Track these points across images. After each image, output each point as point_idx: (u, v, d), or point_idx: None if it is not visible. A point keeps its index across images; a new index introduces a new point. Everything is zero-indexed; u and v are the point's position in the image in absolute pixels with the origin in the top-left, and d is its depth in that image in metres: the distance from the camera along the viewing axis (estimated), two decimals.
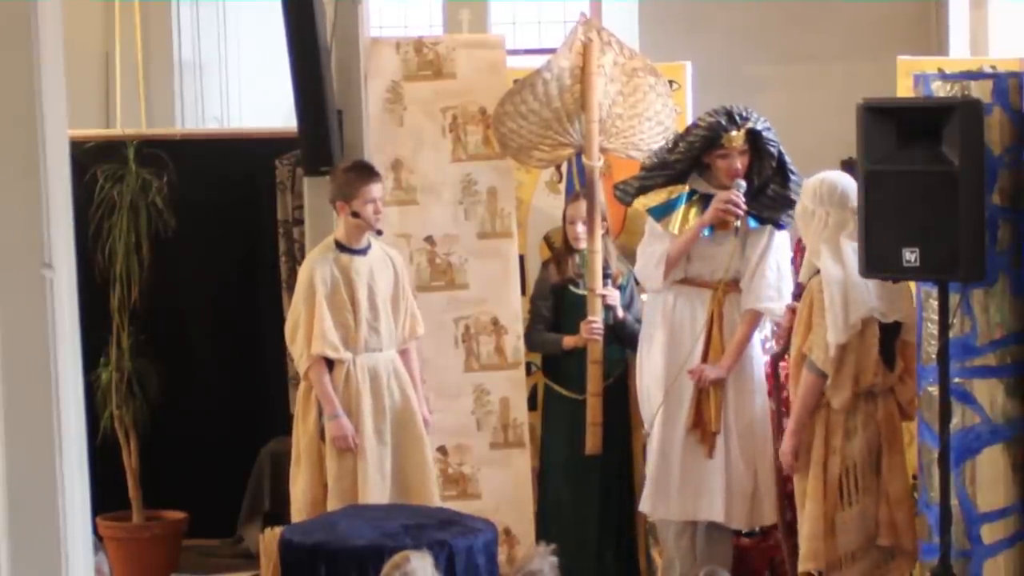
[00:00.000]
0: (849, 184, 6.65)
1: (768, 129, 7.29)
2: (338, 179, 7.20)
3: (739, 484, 7.27)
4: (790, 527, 7.09)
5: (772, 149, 7.28)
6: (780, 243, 7.39)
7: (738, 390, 7.31)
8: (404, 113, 7.90)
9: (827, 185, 6.73)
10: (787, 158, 7.33)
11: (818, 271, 6.69)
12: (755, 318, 7.34)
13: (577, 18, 7.89)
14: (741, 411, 7.31)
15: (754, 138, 7.27)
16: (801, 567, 6.74)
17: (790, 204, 7.23)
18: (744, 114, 7.27)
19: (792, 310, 6.98)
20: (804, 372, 6.73)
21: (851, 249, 6.53)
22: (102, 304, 8.35)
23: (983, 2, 9.97)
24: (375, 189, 7.15)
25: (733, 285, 7.37)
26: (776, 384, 7.24)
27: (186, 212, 8.62)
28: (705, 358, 7.31)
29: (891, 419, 6.77)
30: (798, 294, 7.05)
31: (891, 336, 6.72)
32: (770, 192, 7.31)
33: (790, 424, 6.81)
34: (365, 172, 7.19)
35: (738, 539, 7.70)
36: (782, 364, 7.30)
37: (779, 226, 7.35)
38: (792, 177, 7.29)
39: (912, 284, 6.62)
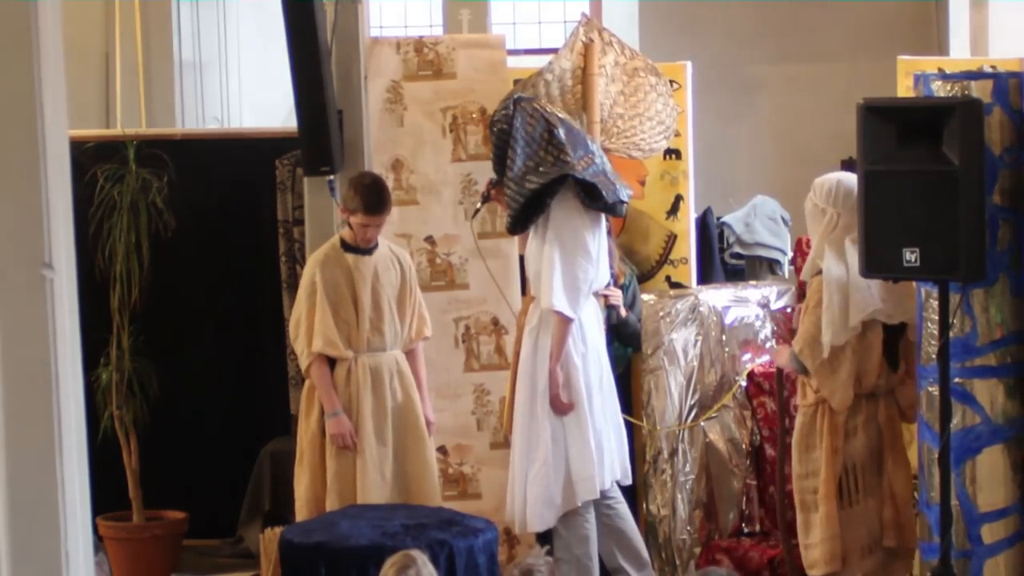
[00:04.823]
0: None
1: (498, 121, 7.02)
2: (346, 187, 7.15)
3: (514, 489, 7.08)
4: (790, 527, 7.08)
5: (497, 142, 7.06)
6: (562, 238, 6.96)
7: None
8: (404, 113, 7.90)
9: (844, 188, 6.61)
10: (518, 162, 6.99)
11: (820, 271, 6.67)
12: (555, 320, 6.94)
13: (577, 18, 7.89)
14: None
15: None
16: (821, 570, 6.66)
17: (517, 208, 6.99)
18: (506, 102, 7.10)
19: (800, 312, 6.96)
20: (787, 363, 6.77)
21: (855, 251, 6.50)
22: (102, 304, 8.34)
23: (983, 2, 9.99)
24: (370, 219, 7.01)
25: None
26: (780, 386, 7.18)
27: (186, 212, 8.61)
28: (515, 365, 7.16)
29: (892, 420, 6.74)
30: (801, 294, 7.02)
31: (896, 337, 6.70)
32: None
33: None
34: (368, 202, 7.01)
35: (739, 540, 7.70)
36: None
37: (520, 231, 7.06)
38: (512, 177, 6.99)
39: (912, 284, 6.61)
